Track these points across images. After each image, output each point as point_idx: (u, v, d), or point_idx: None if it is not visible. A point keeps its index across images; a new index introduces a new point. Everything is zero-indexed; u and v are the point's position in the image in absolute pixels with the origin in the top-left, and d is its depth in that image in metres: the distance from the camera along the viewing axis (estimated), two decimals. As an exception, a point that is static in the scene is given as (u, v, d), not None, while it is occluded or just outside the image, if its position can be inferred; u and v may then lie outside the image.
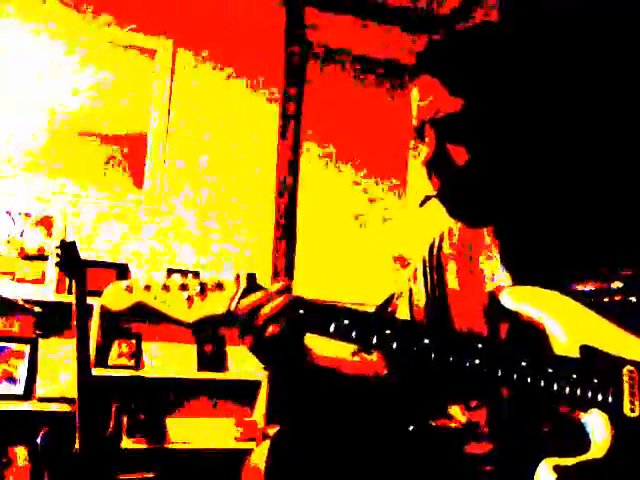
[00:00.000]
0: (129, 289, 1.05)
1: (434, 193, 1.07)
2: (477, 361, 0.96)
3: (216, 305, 1.05)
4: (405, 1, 3.89)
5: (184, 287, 1.05)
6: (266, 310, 1.01)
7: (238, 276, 1.07)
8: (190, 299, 1.05)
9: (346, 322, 1.01)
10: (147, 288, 1.05)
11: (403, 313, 1.27)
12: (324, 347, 1.13)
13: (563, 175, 1.10)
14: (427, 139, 1.05)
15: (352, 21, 3.94)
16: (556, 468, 0.88)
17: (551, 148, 1.07)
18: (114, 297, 1.06)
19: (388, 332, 1.00)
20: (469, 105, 1.02)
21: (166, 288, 1.05)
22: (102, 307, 1.07)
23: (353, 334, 1.00)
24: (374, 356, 1.22)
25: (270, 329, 1.01)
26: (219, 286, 1.06)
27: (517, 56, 1.07)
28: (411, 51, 3.87)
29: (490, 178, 1.05)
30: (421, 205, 1.10)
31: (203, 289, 1.05)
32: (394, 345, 0.99)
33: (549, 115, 1.06)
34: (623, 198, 1.09)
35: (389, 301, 1.31)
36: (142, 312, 1.05)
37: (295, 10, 3.89)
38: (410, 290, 1.28)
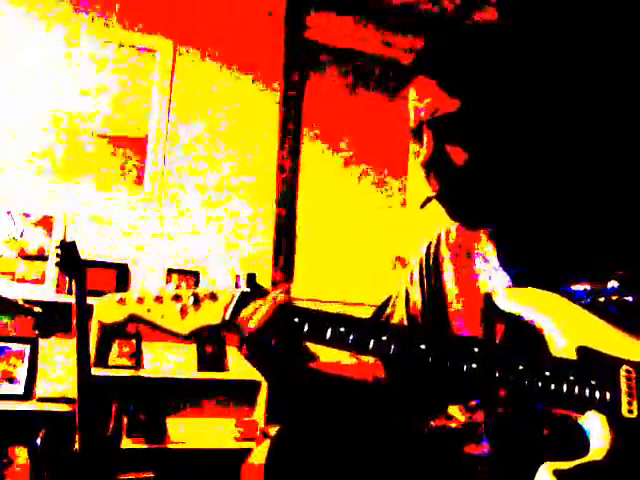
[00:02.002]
0: (122, 302, 1.04)
1: (434, 194, 1.07)
2: (474, 365, 0.95)
3: (210, 315, 1.04)
4: (406, 1, 3.88)
5: (177, 298, 1.04)
6: (255, 320, 1.00)
7: (237, 278, 1.07)
8: (183, 310, 1.04)
9: (342, 329, 1.00)
10: (140, 300, 1.04)
11: (400, 315, 1.27)
12: (321, 350, 1.13)
13: (560, 175, 1.10)
14: (425, 140, 1.05)
15: (352, 21, 3.94)
16: (555, 472, 0.88)
17: (549, 148, 1.07)
18: (107, 310, 1.05)
19: (384, 338, 0.99)
20: (466, 105, 1.02)
21: (159, 300, 1.04)
22: (97, 320, 1.07)
23: (349, 341, 1.00)
24: (372, 358, 1.22)
25: (265, 338, 1.00)
26: (212, 296, 1.05)
27: (514, 55, 1.07)
28: (411, 50, 3.88)
29: (489, 178, 1.05)
30: (422, 206, 1.10)
31: (197, 299, 1.04)
32: (391, 351, 0.99)
33: (547, 114, 1.06)
34: (619, 198, 1.09)
35: (386, 304, 1.31)
36: (137, 323, 1.05)
37: (295, 9, 3.89)
38: (407, 291, 1.28)
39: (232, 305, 1.04)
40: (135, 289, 1.06)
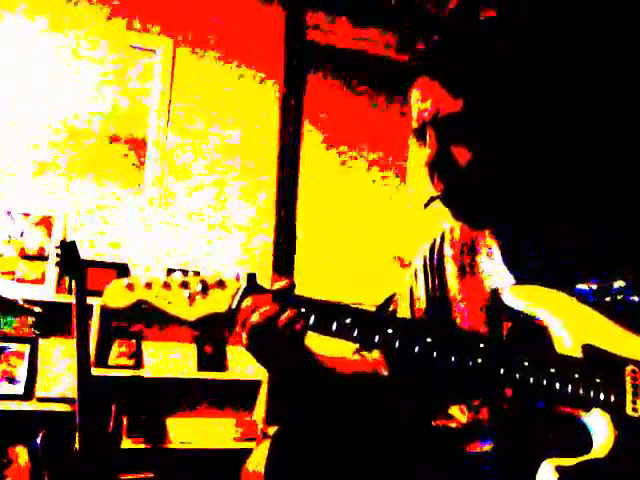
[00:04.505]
0: (130, 287, 1.04)
1: (438, 194, 1.07)
2: (479, 360, 0.95)
3: (218, 303, 1.04)
4: (406, 1, 3.89)
5: (185, 285, 1.04)
6: (264, 310, 1.00)
7: (238, 275, 1.06)
8: (191, 297, 1.04)
9: (348, 321, 1.00)
10: (148, 286, 1.04)
11: (404, 313, 1.27)
12: (323, 345, 1.12)
13: (565, 174, 1.10)
14: (429, 140, 1.05)
15: (352, 21, 3.95)
16: (559, 469, 0.88)
17: (554, 146, 1.07)
18: (115, 295, 1.04)
19: (390, 331, 0.99)
20: (469, 105, 1.02)
21: (167, 286, 1.04)
22: (103, 305, 1.06)
23: (355, 333, 1.00)
24: (375, 354, 1.22)
25: (272, 328, 1.00)
26: (220, 284, 1.05)
27: (517, 54, 1.07)
28: (410, 50, 3.88)
29: (493, 178, 1.04)
30: (426, 206, 1.10)
31: (205, 287, 1.04)
32: (396, 344, 0.99)
33: (551, 112, 1.06)
34: (625, 197, 1.09)
35: (390, 300, 1.31)
36: (143, 310, 1.04)
37: (295, 9, 3.89)
38: (411, 289, 1.27)
39: (239, 294, 1.04)
40: (142, 275, 1.05)
